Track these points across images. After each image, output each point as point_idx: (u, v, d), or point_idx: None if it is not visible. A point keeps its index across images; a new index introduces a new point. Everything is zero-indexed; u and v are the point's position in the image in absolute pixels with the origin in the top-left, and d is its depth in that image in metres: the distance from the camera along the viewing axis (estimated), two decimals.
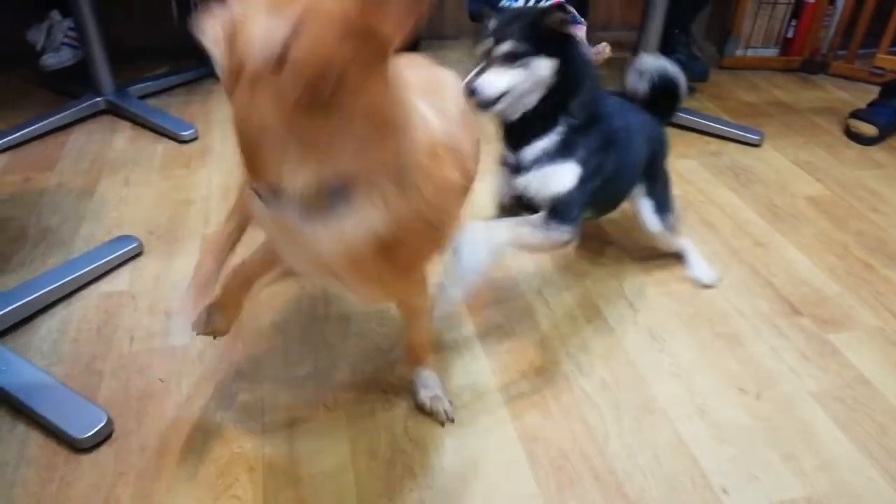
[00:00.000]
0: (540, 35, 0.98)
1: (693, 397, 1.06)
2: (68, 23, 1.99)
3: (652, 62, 1.27)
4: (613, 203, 1.24)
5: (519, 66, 0.99)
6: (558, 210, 1.04)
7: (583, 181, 1.04)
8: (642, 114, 1.24)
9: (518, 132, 1.05)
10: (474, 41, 2.47)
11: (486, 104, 0.99)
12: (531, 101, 1.01)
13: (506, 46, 0.99)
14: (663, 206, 1.28)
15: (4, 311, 1.12)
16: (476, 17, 2.25)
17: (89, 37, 1.81)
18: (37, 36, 2.00)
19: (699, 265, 1.33)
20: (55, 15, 1.99)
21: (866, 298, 1.28)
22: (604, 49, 1.61)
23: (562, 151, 1.04)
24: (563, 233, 1.04)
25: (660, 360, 1.13)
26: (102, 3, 1.81)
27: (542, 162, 1.04)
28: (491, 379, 1.09)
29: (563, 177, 1.04)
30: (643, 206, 1.26)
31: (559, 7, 1.02)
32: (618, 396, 1.06)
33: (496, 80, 0.99)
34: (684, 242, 1.35)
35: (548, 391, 1.07)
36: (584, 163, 1.04)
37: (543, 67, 0.99)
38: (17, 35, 2.05)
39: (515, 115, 1.03)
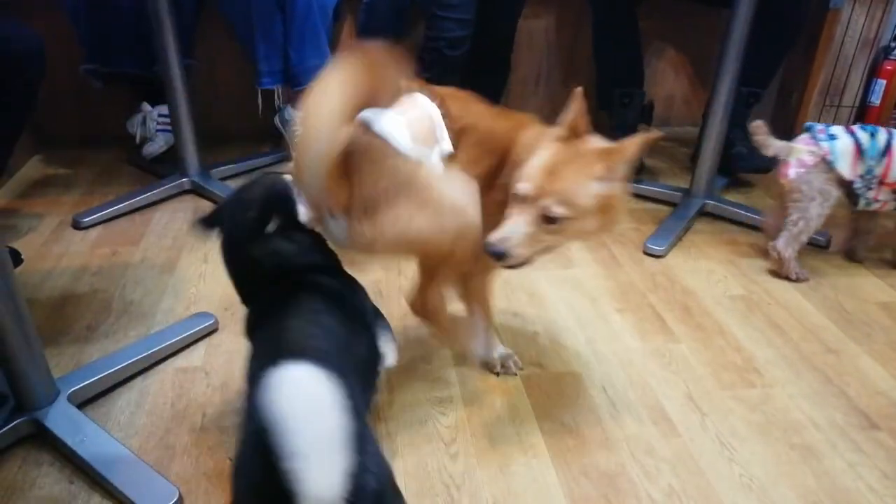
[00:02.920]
0: None
1: None
2: (158, 110, 2.15)
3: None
4: None
5: None
6: None
7: None
8: None
9: None
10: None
11: None
12: None
13: None
14: None
15: (89, 381, 1.18)
16: None
17: (181, 121, 1.95)
18: (134, 127, 2.17)
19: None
20: (145, 106, 2.17)
21: None
22: None
23: None
24: None
25: (731, 469, 1.10)
26: (194, 90, 1.96)
27: None
28: (554, 477, 1.07)
29: None
30: None
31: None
32: None
33: None
34: None
35: (612, 495, 1.05)
36: None
37: None
38: (112, 120, 2.23)
39: None
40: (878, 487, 1.07)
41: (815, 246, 1.81)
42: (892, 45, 2.29)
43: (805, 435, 1.18)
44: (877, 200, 1.61)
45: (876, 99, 2.34)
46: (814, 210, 1.59)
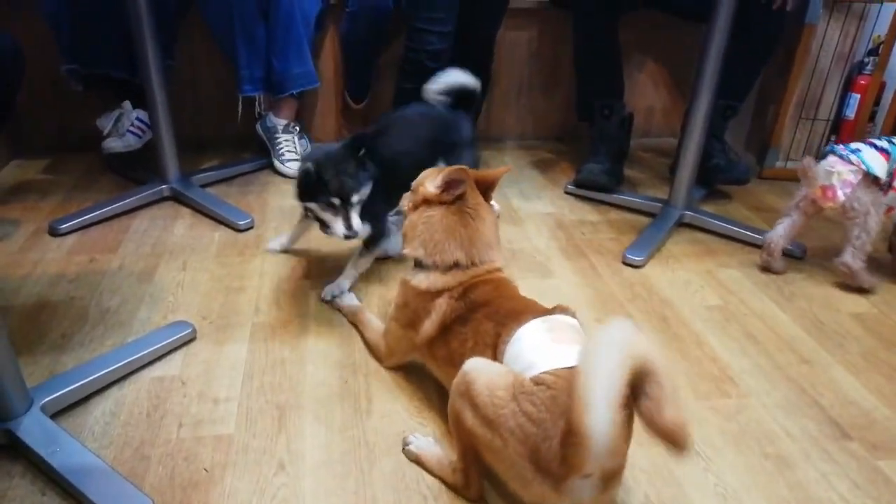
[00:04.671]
0: None
1: None
2: (137, 113, 2.14)
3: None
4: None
5: None
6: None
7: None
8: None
9: None
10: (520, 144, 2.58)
11: None
12: None
13: None
14: None
15: (63, 392, 1.16)
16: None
17: (160, 127, 1.93)
18: (106, 122, 2.15)
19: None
20: (127, 105, 2.15)
21: None
22: None
23: None
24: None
25: (706, 479, 1.11)
26: (173, 95, 1.95)
27: None
28: None
29: None
30: None
31: None
32: None
33: None
34: None
35: None
36: None
37: None
38: (92, 125, 2.20)
39: None
40: (850, 497, 1.09)
41: (791, 257, 1.84)
42: (866, 60, 2.34)
43: (779, 445, 1.19)
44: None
45: (851, 113, 2.38)
46: (871, 222, 1.63)
